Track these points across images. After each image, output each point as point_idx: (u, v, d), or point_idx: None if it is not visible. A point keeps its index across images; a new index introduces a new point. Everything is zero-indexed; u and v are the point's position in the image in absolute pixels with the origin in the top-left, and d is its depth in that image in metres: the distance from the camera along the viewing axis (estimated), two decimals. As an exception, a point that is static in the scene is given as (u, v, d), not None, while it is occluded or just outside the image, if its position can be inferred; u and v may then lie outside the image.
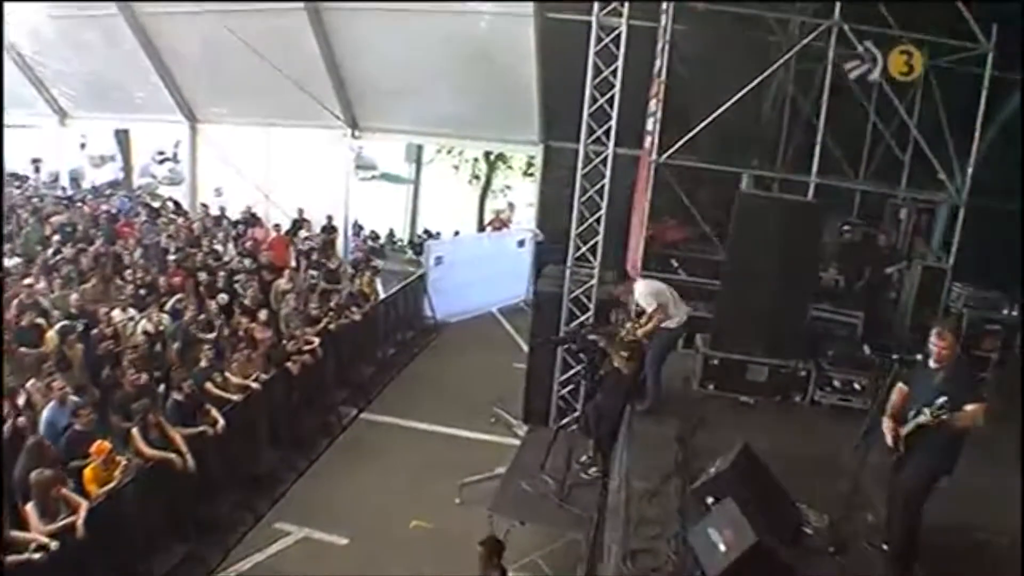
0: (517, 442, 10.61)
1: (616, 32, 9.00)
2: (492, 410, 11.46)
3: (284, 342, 10.17)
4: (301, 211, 16.46)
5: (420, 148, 21.64)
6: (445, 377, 12.86)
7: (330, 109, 15.70)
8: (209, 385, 8.51)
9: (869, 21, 9.19)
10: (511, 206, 21.30)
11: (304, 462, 9.63)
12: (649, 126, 10.39)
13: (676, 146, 9.32)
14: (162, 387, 8.65)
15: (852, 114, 10.55)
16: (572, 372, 10.07)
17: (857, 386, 8.00)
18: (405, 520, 8.65)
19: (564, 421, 9.87)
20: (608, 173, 9.42)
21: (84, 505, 6.39)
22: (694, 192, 10.43)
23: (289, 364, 9.73)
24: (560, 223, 15.79)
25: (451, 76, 14.96)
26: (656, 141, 9.44)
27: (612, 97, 9.25)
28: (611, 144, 9.31)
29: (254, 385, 8.90)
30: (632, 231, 11.06)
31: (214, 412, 8.08)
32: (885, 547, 5.48)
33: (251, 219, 16.30)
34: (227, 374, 8.84)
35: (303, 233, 15.95)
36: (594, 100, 9.29)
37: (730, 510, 4.92)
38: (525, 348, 14.11)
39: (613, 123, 9.22)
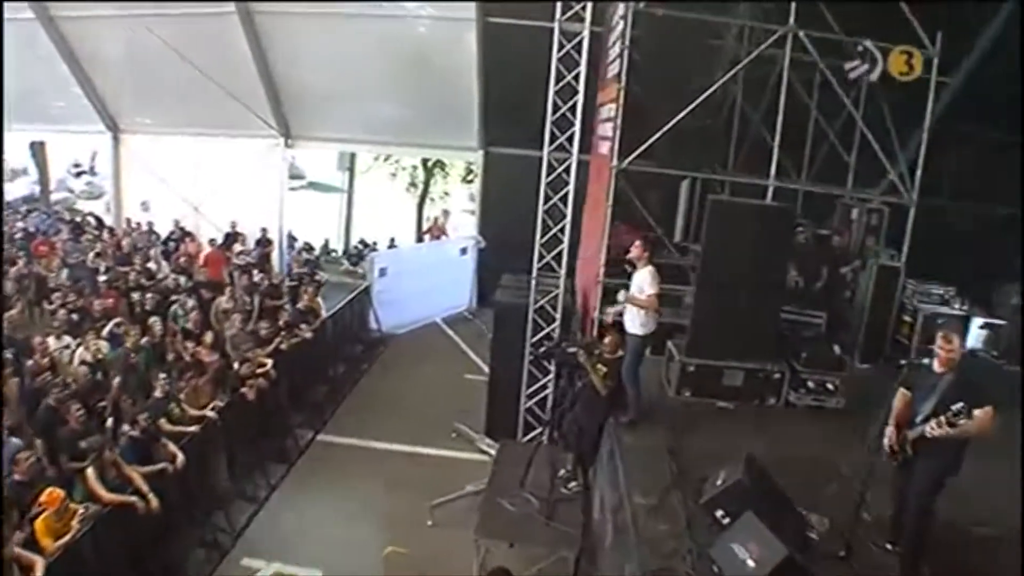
0: (482, 457, 10.43)
1: (579, 37, 8.83)
2: (452, 425, 11.17)
3: (236, 366, 9.59)
4: (234, 224, 15.71)
5: (353, 156, 21.14)
6: (398, 392, 12.51)
7: (262, 117, 15.08)
8: (163, 420, 7.91)
9: (812, 25, 9.40)
10: (446, 213, 21.02)
11: (265, 491, 9.11)
12: (606, 131, 10.34)
13: (638, 151, 9.31)
14: (110, 421, 7.99)
15: (795, 116, 10.78)
16: (539, 384, 9.91)
17: (830, 386, 8.14)
18: (378, 546, 8.25)
19: (535, 434, 9.73)
20: (572, 180, 9.27)
21: (40, 564, 5.77)
22: (644, 197, 10.45)
23: (244, 389, 9.19)
24: (502, 229, 15.77)
25: (390, 82, 14.62)
26: (616, 147, 9.42)
27: (575, 103, 9.13)
28: (575, 151, 9.17)
29: (211, 414, 8.35)
30: (587, 238, 10.99)
31: (172, 447, 7.51)
32: (889, 547, 5.53)
33: (182, 234, 15.45)
34: (183, 405, 8.24)
35: (237, 247, 15.23)
36: (556, 107, 9.13)
37: (753, 524, 4.88)
38: (475, 358, 14.07)
39: (577, 130, 9.09)
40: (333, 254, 19.66)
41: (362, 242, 20.00)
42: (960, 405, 4.70)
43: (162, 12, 13.13)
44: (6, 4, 11.81)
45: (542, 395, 9.96)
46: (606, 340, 7.68)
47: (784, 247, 8.41)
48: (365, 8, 13.42)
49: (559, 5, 8.73)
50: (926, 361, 5.18)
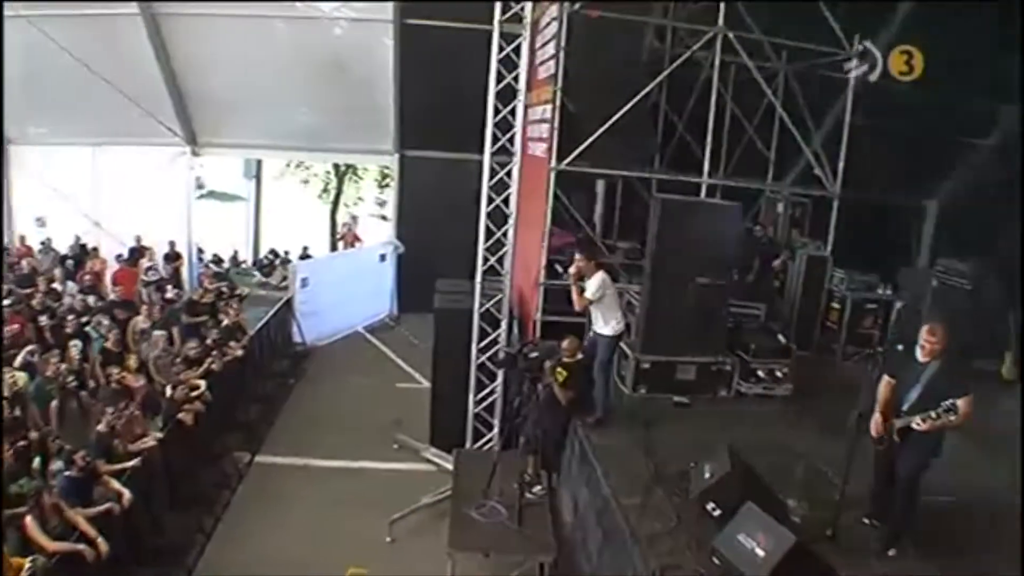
0: (428, 467, 10.22)
1: (519, 40, 8.73)
2: (393, 436, 10.88)
3: (169, 390, 9.01)
4: (139, 238, 14.79)
5: (260, 163, 20.34)
6: (331, 406, 12.11)
7: (167, 125, 14.26)
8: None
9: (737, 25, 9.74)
10: (354, 219, 20.62)
11: (211, 521, 8.55)
12: (540, 132, 10.36)
13: (577, 151, 9.40)
14: (36, 460, 7.34)
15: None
16: (487, 390, 9.78)
17: (779, 374, 8.47)
18: (338, 568, 7.91)
19: (486, 440, 9.63)
20: (515, 183, 9.19)
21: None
22: (569, 197, 10.57)
23: (182, 415, 8.65)
24: (418, 234, 15.60)
25: (302, 86, 14.24)
26: (555, 148, 9.47)
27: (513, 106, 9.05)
28: (518, 153, 9.09)
29: (151, 443, 7.81)
30: (523, 241, 10.97)
31: (115, 484, 6.94)
32: (866, 521, 5.77)
33: (83, 250, 14.41)
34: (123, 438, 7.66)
35: (145, 262, 14.34)
36: (497, 109, 9.02)
37: (756, 514, 4.97)
38: (404, 366, 13.83)
39: (518, 132, 9.01)
40: (243, 266, 18.87)
41: (272, 252, 19.29)
42: (950, 402, 4.93)
43: (59, 12, 12.17)
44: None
45: (490, 400, 9.83)
46: (564, 344, 7.69)
47: (731, 243, 8.64)
48: (277, 9, 12.91)
49: (498, 5, 8.60)
50: (899, 347, 5.42)
